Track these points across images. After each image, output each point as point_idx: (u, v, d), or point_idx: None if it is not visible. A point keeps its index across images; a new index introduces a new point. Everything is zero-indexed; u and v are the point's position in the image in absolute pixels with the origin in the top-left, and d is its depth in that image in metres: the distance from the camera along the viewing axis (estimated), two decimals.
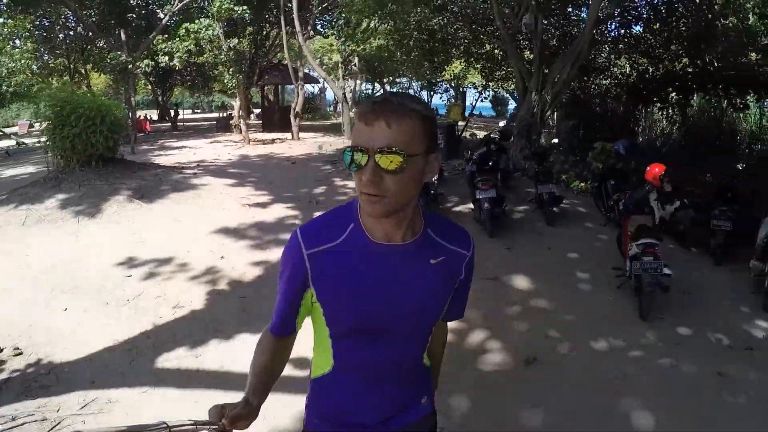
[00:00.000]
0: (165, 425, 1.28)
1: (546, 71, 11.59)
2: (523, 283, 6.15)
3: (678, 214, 7.47)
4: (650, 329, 5.08)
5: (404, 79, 36.74)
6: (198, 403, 3.64)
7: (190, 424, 1.32)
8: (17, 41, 25.90)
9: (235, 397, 1.41)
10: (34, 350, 4.35)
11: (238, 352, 4.37)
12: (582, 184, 10.12)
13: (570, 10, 14.48)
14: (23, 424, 3.39)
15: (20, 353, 4.31)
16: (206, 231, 7.71)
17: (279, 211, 9.02)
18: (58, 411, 3.53)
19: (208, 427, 1.31)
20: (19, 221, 8.15)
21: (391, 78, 33.86)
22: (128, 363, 4.20)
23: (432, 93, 37.75)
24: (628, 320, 5.25)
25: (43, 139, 10.75)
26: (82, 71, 30.03)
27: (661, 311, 5.38)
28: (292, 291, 1.41)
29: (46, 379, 3.94)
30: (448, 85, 35.85)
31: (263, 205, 9.34)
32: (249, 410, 1.39)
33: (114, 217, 8.36)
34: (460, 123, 17.51)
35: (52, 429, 3.36)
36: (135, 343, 4.49)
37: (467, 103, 34.15)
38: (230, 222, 8.16)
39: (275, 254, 6.67)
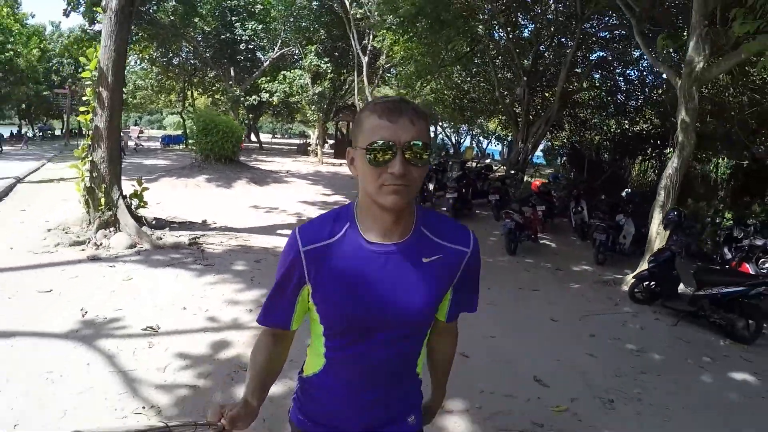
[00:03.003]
0: (165, 425, 1.28)
1: (529, 128, 16.71)
2: None
3: (575, 218, 12.42)
4: (509, 257, 9.81)
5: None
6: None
7: (190, 425, 1.34)
8: (142, 64, 32.60)
9: None
10: (220, 223, 9.90)
11: None
12: None
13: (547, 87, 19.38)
14: (218, 236, 8.80)
15: (215, 222, 9.88)
16: (295, 200, 13.42)
17: (337, 198, 14.77)
18: (232, 233, 8.97)
19: (208, 427, 1.34)
20: (183, 185, 13.95)
21: (452, 123, 39.14)
22: (263, 230, 9.67)
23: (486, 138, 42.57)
24: (500, 253, 10.05)
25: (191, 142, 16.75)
26: (189, 93, 36.42)
27: (528, 254, 10.24)
28: (287, 286, 1.45)
29: (227, 230, 9.40)
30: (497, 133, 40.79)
31: (327, 195, 15.01)
32: (248, 410, 1.46)
33: (241, 190, 14.20)
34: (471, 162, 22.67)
35: (232, 238, 8.76)
36: (264, 229, 9.99)
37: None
38: (308, 198, 13.87)
39: None
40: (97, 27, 24.74)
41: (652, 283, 7.30)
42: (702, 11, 7.29)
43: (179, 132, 38.82)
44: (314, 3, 24.83)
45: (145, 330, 4.72)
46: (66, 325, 4.71)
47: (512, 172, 15.30)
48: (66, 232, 7.62)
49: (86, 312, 5.01)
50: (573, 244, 11.75)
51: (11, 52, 29.98)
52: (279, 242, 8.74)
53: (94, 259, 6.81)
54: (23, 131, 39.43)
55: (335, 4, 23.55)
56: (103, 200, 7.57)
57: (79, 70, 33.66)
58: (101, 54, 7.37)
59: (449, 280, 1.48)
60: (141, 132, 39.62)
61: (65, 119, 36.15)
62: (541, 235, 11.60)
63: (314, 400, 1.56)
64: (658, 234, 8.25)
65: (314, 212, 12.18)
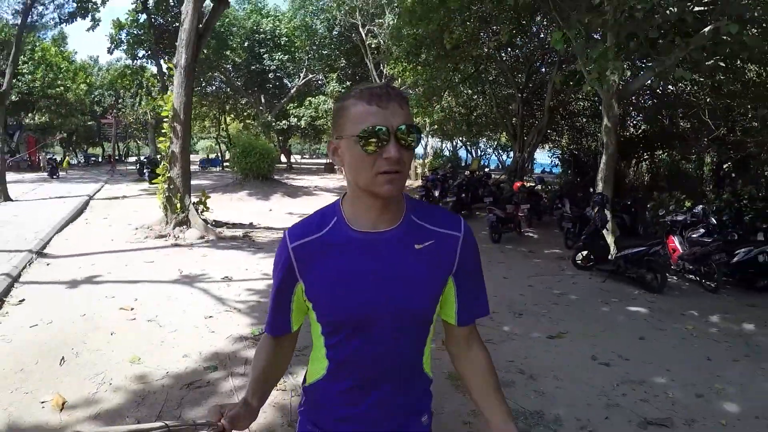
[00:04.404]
0: (164, 425, 1.30)
1: (525, 138, 19.09)
2: None
3: (556, 213, 14.69)
4: (492, 244, 12.03)
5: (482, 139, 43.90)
6: None
7: (190, 425, 1.36)
8: None
9: None
10: (263, 225, 12.42)
11: None
12: None
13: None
14: (263, 232, 11.35)
15: (259, 223, 12.42)
16: None
17: None
18: (274, 230, 11.48)
19: (208, 427, 1.35)
20: (229, 199, 16.66)
21: (465, 138, 41.54)
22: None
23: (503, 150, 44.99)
24: (486, 243, 12.21)
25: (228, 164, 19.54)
26: (223, 119, 39.49)
27: (510, 243, 12.57)
28: (282, 286, 1.46)
29: (269, 229, 11.93)
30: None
31: None
32: (248, 411, 1.45)
33: (277, 201, 16.94)
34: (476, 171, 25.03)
35: (274, 233, 11.26)
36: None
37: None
38: None
39: None
40: (137, 62, 28.54)
41: (587, 252, 9.63)
42: (614, 40, 9.61)
43: (212, 155, 41.90)
44: (334, 32, 27.69)
45: (223, 279, 7.35)
46: (171, 277, 7.37)
47: (504, 177, 17.68)
48: (150, 229, 10.36)
49: (182, 271, 7.67)
50: (554, 235, 13.95)
51: (61, 87, 33.17)
52: None
53: (176, 245, 9.52)
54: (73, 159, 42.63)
55: (353, 35, 26.31)
56: (178, 205, 10.25)
57: (119, 101, 37.23)
58: (174, 99, 10.10)
59: (446, 266, 1.45)
60: None
61: (112, 146, 39.32)
62: (528, 230, 13.94)
63: (321, 406, 1.54)
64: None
65: None
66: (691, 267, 9.24)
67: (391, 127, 1.26)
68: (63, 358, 4.62)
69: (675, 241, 9.81)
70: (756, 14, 6.76)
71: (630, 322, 6.72)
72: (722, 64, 10.24)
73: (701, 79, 12.77)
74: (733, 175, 17.14)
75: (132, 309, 5.97)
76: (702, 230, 9.38)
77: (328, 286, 1.39)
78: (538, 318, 6.61)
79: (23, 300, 6.19)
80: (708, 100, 13.75)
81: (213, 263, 8.31)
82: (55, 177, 24.05)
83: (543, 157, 42.47)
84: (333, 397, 1.51)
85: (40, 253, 8.48)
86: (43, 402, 3.84)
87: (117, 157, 40.02)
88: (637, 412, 4.22)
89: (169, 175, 10.30)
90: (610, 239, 9.69)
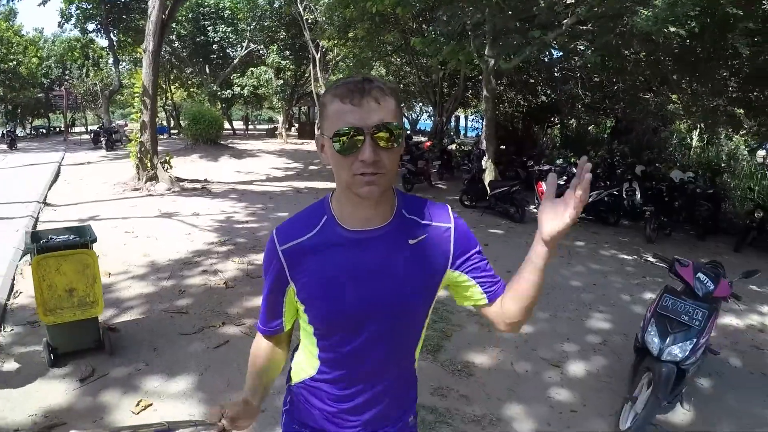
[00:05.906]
0: (165, 425, 1.32)
1: (444, 105, 21.94)
2: None
3: (462, 168, 17.60)
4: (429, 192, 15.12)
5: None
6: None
7: (190, 424, 1.38)
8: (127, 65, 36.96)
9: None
10: (215, 180, 14.94)
11: (279, 183, 15.02)
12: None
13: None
14: (216, 185, 13.92)
15: (212, 180, 14.93)
16: (266, 167, 18.59)
17: (296, 165, 19.93)
18: (225, 184, 14.08)
19: (208, 426, 1.36)
20: (182, 162, 18.94)
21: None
22: (245, 183, 14.79)
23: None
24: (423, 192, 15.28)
25: (177, 131, 21.79)
26: (167, 88, 40.82)
27: (420, 192, 15.38)
28: (273, 288, 1.45)
29: (221, 183, 14.50)
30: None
31: (289, 163, 20.19)
32: (248, 410, 1.47)
33: (225, 162, 19.42)
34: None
35: (225, 186, 13.85)
36: (245, 182, 15.12)
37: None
38: (275, 166, 19.04)
39: (292, 173, 17.44)
40: (87, 36, 30.46)
41: (470, 194, 12.51)
42: (491, 28, 12.30)
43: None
44: (275, 5, 29.60)
45: (193, 214, 10.03)
46: (153, 214, 10.00)
47: (422, 139, 20.56)
48: (126, 185, 12.82)
49: (161, 210, 10.30)
50: (461, 187, 16.89)
51: (14, 62, 34.16)
52: (256, 188, 13.95)
53: (149, 195, 12.06)
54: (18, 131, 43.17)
55: (292, 8, 28.34)
56: (148, 164, 12.73)
57: (66, 72, 38.37)
58: (144, 78, 12.48)
59: (441, 260, 1.43)
60: (125, 125, 43.90)
61: (64, 117, 40.19)
62: (439, 182, 16.77)
63: (310, 406, 1.54)
64: (487, 167, 13.47)
65: (280, 173, 17.37)
66: None
67: (366, 127, 1.21)
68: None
69: (543, 186, 12.55)
70: (558, 22, 9.66)
71: (484, 237, 9.45)
72: (582, 48, 13.09)
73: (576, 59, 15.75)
74: (605, 136, 20.54)
75: (133, 232, 8.59)
76: (565, 178, 12.16)
77: (320, 288, 1.38)
78: None
79: None
80: (579, 75, 16.81)
81: (182, 206, 10.87)
82: (14, 149, 25.17)
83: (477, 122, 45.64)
84: (323, 397, 1.52)
85: (45, 203, 10.88)
86: None
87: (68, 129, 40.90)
88: None
89: (140, 140, 12.74)
90: (487, 183, 12.55)
